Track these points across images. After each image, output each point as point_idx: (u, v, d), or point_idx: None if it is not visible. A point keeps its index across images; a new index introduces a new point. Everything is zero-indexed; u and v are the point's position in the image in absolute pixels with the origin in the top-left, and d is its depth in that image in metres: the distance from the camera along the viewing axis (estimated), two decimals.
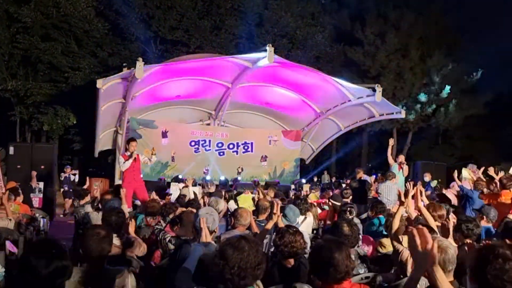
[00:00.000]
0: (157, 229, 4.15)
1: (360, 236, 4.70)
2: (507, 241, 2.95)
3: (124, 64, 15.78)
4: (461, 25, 25.06)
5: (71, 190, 12.56)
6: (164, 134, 16.00)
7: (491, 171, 8.77)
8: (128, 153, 8.13)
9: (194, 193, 8.47)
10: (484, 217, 4.83)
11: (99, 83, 11.15)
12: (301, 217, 5.44)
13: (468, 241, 3.68)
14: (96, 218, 3.59)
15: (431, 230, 3.41)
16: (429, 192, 9.52)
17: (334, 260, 2.36)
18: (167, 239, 3.83)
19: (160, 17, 20.31)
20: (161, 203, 5.72)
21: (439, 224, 4.35)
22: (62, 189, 12.98)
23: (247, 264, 2.10)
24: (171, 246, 3.68)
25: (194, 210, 4.04)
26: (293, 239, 3.16)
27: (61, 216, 12.23)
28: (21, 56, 19.08)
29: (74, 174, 13.42)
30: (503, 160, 24.12)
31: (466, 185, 8.39)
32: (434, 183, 11.84)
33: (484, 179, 8.74)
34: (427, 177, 11.13)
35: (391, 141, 10.52)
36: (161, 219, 4.93)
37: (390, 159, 10.07)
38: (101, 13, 20.00)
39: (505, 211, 5.74)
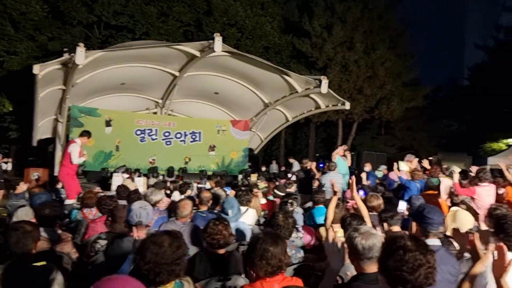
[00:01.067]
0: (85, 240, 4.06)
1: (300, 227, 4.80)
2: (414, 224, 3.09)
3: (65, 49, 15.03)
4: (404, 19, 26.06)
5: (2, 180, 11.81)
6: (108, 123, 15.49)
7: (425, 163, 9.27)
8: (79, 143, 7.87)
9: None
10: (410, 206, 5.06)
11: (36, 68, 10.63)
12: (243, 208, 5.46)
13: (395, 229, 3.84)
14: (22, 214, 3.41)
15: (362, 220, 3.55)
16: (369, 182, 9.85)
17: (268, 253, 2.37)
18: (93, 239, 3.70)
19: (104, 1, 19.45)
20: (99, 195, 5.55)
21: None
22: None
23: (162, 260, 2.06)
24: (103, 242, 3.56)
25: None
26: (215, 230, 3.17)
27: None
28: None
29: (6, 162, 12.62)
30: (440, 150, 25.61)
31: (403, 176, 8.76)
32: (380, 174, 12.32)
33: (420, 170, 9.21)
34: (367, 167, 11.52)
35: (343, 147, 11.17)
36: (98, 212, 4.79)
37: (334, 155, 10.30)
38: None
39: (433, 201, 6.07)
